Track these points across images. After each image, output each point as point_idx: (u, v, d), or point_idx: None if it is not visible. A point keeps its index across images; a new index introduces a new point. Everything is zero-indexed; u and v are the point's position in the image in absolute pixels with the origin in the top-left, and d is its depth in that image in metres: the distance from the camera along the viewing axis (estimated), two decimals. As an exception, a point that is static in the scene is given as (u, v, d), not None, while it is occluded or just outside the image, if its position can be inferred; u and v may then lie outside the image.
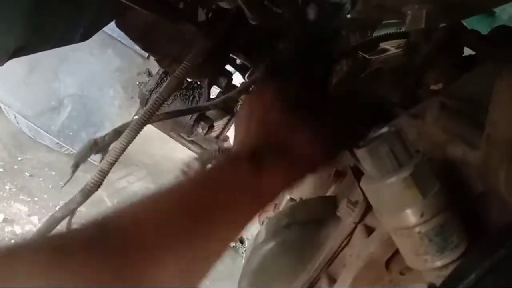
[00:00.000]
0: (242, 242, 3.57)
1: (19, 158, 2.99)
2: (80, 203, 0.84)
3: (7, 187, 2.68)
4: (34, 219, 2.51)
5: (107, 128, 1.18)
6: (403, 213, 0.43)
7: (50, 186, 2.81)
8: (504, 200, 0.46)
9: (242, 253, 3.42)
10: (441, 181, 0.53)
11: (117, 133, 0.87)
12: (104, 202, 2.90)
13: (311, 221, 0.75)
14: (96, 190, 0.79)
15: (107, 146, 0.97)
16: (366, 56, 1.20)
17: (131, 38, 0.93)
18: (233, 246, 3.56)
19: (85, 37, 0.86)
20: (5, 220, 2.43)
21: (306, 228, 0.75)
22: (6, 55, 0.76)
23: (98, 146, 0.85)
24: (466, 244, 0.45)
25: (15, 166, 2.91)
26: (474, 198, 0.50)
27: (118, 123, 0.89)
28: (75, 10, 0.77)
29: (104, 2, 0.75)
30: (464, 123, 0.55)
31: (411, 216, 0.43)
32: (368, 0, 0.48)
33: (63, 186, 0.94)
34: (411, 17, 0.43)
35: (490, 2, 0.59)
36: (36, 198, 2.69)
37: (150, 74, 2.43)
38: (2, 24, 0.69)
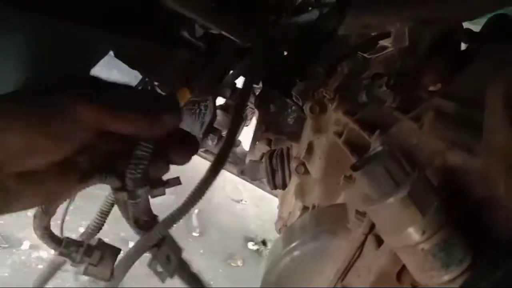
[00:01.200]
0: (264, 244, 3.59)
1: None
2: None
3: (29, 213, 2.74)
4: (59, 242, 2.56)
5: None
6: (404, 232, 0.44)
7: (72, 207, 2.86)
8: (506, 207, 0.46)
9: (266, 255, 3.44)
10: (442, 189, 0.54)
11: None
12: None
13: (323, 232, 0.76)
14: (98, 232, 0.81)
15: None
16: (365, 55, 1.20)
17: (129, 67, 0.95)
18: (257, 249, 3.58)
19: (84, 70, 0.88)
20: (31, 246, 2.49)
21: (319, 240, 0.76)
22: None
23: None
24: (471, 256, 0.45)
25: (36, 192, 2.97)
26: (476, 205, 0.50)
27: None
28: (72, 46, 0.79)
29: (97, 39, 0.77)
30: (462, 129, 0.55)
31: (412, 234, 0.43)
32: (353, 20, 0.49)
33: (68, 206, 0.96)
34: (394, 35, 0.43)
35: (469, 13, 0.59)
36: (59, 221, 2.74)
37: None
38: (2, 65, 0.71)
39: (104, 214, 0.63)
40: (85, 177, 0.47)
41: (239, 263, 3.29)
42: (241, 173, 1.70)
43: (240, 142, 2.68)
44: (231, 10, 0.73)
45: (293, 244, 0.77)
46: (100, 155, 0.47)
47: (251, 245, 3.65)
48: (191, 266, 0.67)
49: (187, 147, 0.53)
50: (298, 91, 1.50)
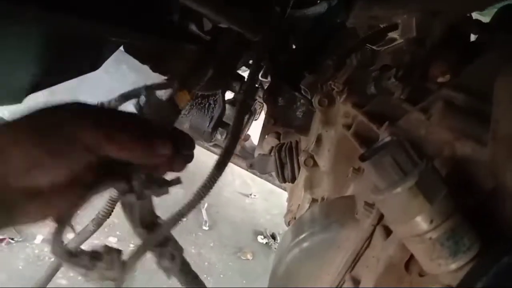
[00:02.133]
0: (274, 238, 3.60)
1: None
2: (94, 231, 0.88)
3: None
4: (71, 236, 2.60)
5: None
6: (412, 221, 0.44)
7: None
8: (514, 196, 0.46)
9: (275, 248, 3.45)
10: (451, 180, 0.54)
11: (123, 98, 0.92)
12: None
13: (332, 224, 0.77)
14: (108, 218, 0.82)
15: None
16: (374, 48, 1.20)
17: (139, 61, 0.96)
18: (266, 242, 3.60)
19: (94, 67, 0.90)
20: (44, 240, 2.53)
21: (328, 231, 0.76)
22: (24, 93, 0.80)
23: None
24: (479, 245, 0.45)
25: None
26: (485, 195, 0.50)
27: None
28: (82, 44, 0.80)
29: (108, 34, 0.78)
30: (471, 120, 0.55)
31: (420, 223, 0.44)
32: (361, 12, 0.49)
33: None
34: (402, 27, 0.44)
35: (478, 4, 0.59)
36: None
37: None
38: (17, 64, 0.73)
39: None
40: (93, 186, 0.48)
41: (249, 256, 3.31)
42: (250, 167, 1.71)
43: (249, 136, 2.69)
44: (240, 3, 0.73)
45: (302, 236, 0.78)
46: (105, 163, 0.49)
47: (260, 239, 3.66)
48: (191, 266, 0.68)
49: (183, 158, 0.55)
50: (306, 84, 1.50)
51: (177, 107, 0.88)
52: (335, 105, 1.16)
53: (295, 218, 1.33)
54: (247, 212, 3.95)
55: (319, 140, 1.14)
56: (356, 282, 0.69)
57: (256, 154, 1.94)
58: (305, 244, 0.77)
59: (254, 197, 4.09)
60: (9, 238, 2.47)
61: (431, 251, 0.45)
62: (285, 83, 1.71)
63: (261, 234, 3.72)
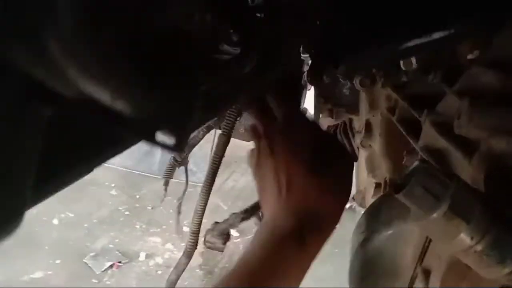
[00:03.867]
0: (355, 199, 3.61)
1: (137, 196, 3.35)
2: (186, 263, 0.98)
3: (138, 226, 3.04)
4: (169, 246, 2.83)
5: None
6: (454, 241, 0.47)
7: (171, 211, 3.13)
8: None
9: (359, 210, 3.46)
10: (490, 178, 0.56)
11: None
12: (220, 207, 3.15)
13: (394, 220, 0.80)
14: (196, 248, 0.92)
15: (187, 157, 1.13)
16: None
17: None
18: (349, 206, 3.62)
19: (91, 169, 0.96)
20: (147, 256, 2.79)
21: (391, 227, 0.80)
22: (20, 217, 0.89)
23: (179, 161, 0.99)
24: (526, 246, 0.47)
25: (137, 205, 3.28)
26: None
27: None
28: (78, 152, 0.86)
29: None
30: (501, 112, 0.56)
31: (462, 242, 0.47)
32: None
33: (153, 207, 1.13)
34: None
35: None
36: (164, 226, 3.02)
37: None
38: (11, 188, 0.80)
39: None
40: None
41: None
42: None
43: (306, 109, 2.70)
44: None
45: (369, 234, 0.82)
46: None
47: (343, 204, 3.69)
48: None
49: None
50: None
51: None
52: (377, 84, 1.16)
53: (364, 198, 1.36)
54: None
55: (368, 125, 1.15)
56: (427, 273, 0.72)
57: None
58: (373, 242, 0.81)
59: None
60: (117, 262, 2.75)
61: (480, 262, 0.48)
62: (327, 63, 1.70)
63: (342, 199, 3.75)
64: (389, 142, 1.06)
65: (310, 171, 0.53)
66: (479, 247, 0.47)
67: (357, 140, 1.30)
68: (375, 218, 0.85)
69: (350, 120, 1.54)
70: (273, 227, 0.52)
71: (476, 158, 0.60)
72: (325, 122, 1.87)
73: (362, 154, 1.38)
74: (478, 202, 0.48)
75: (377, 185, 1.13)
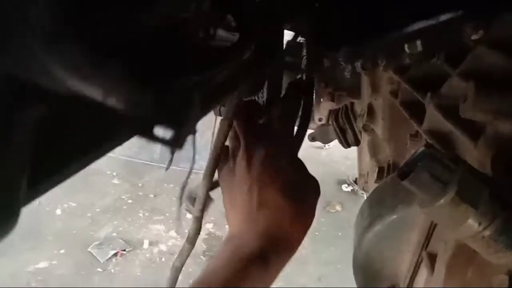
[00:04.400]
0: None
1: (140, 185, 3.36)
2: (190, 249, 0.97)
3: (141, 214, 3.05)
4: (173, 233, 2.85)
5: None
6: (461, 227, 0.47)
7: (174, 198, 3.14)
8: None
9: (361, 193, 3.48)
10: (497, 161, 0.55)
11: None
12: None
13: (398, 205, 0.79)
14: (199, 234, 0.92)
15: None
16: None
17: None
18: (352, 189, 3.63)
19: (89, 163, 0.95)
20: (151, 243, 2.80)
21: (396, 212, 0.79)
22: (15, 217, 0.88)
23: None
24: (534, 231, 0.46)
25: (140, 193, 3.28)
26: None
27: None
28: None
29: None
30: (506, 96, 0.55)
31: (470, 228, 0.46)
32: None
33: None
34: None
35: None
36: (167, 214, 3.03)
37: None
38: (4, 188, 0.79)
39: None
40: None
41: (338, 208, 3.38)
42: (312, 140, 1.73)
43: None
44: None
45: (372, 220, 0.82)
46: None
47: (345, 188, 3.71)
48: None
49: None
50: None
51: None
52: (378, 67, 1.14)
53: (367, 182, 1.35)
54: (325, 164, 3.99)
55: (370, 109, 1.14)
56: (432, 257, 0.72)
57: (315, 119, 1.96)
58: (376, 228, 0.81)
59: (329, 147, 4.10)
60: (121, 250, 2.77)
61: (487, 247, 0.47)
62: (325, 47, 1.68)
63: (344, 182, 3.76)
64: (392, 126, 1.05)
65: (285, 197, 0.52)
66: (487, 233, 0.46)
67: (359, 124, 1.29)
68: (379, 203, 0.84)
69: (352, 104, 1.52)
70: (239, 245, 0.51)
71: (482, 141, 0.59)
72: (326, 106, 1.86)
73: (365, 138, 1.37)
74: (486, 187, 0.47)
75: (380, 169, 1.12)
